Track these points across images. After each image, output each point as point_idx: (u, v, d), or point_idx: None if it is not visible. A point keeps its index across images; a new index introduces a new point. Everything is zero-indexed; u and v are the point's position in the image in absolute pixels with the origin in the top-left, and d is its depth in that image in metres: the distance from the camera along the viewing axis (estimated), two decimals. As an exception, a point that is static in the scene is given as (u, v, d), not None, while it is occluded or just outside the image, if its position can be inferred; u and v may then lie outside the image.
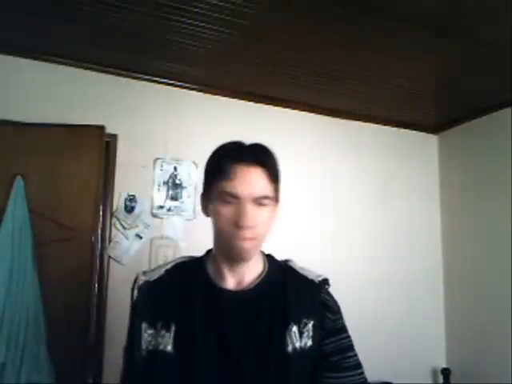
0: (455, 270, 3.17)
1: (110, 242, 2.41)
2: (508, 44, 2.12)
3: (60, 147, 2.24)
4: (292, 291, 0.94)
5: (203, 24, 2.04)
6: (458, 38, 2.11)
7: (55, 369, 2.01)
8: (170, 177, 2.60)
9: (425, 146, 3.39)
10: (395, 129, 3.28)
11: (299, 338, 0.89)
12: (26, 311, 1.99)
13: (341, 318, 0.97)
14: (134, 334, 0.92)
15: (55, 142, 2.23)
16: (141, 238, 2.47)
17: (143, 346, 0.89)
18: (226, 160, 0.89)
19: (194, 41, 2.20)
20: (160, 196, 2.56)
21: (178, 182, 2.61)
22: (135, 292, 0.96)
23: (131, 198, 2.47)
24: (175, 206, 2.58)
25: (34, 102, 2.34)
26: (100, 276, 2.34)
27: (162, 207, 2.55)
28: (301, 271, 1.00)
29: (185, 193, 2.62)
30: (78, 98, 2.44)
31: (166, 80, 2.64)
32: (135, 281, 0.97)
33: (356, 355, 0.95)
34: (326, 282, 0.99)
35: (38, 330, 2.00)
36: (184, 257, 1.05)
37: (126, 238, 2.44)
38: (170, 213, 2.56)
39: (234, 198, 0.87)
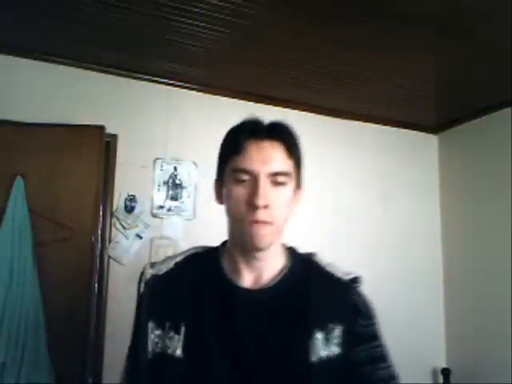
0: (455, 270, 3.16)
1: (110, 241, 2.41)
2: (508, 44, 2.12)
3: (60, 147, 2.24)
4: (317, 291, 0.84)
5: (203, 24, 2.04)
6: (457, 38, 2.11)
7: (55, 369, 2.01)
8: (170, 177, 2.60)
9: (425, 146, 3.39)
10: (395, 129, 3.28)
11: (325, 345, 0.79)
12: (26, 311, 1.99)
13: (374, 323, 0.86)
14: (139, 333, 0.84)
15: (55, 142, 2.23)
16: (141, 237, 2.47)
17: (149, 348, 0.81)
18: (239, 135, 0.82)
19: (194, 41, 2.20)
20: (160, 196, 2.56)
21: (178, 181, 2.61)
22: (141, 286, 0.87)
23: (131, 198, 2.47)
24: (175, 206, 2.58)
25: (34, 102, 2.34)
26: (100, 276, 2.34)
27: (162, 207, 2.55)
28: (327, 268, 0.89)
29: (185, 193, 2.62)
30: (78, 98, 2.44)
31: (166, 80, 2.64)
32: (142, 274, 0.89)
33: (390, 366, 0.84)
34: (356, 280, 0.87)
35: (38, 330, 2.00)
36: (197, 247, 0.93)
37: (126, 238, 2.44)
38: (170, 213, 2.56)
39: (248, 175, 0.79)
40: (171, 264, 0.88)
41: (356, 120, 3.14)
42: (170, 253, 2.46)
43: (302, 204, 0.88)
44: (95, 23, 2.06)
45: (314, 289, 0.84)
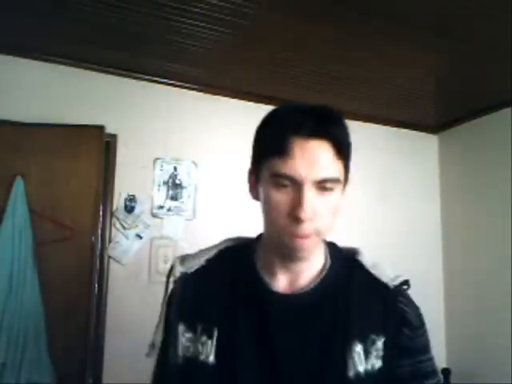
0: (455, 270, 3.17)
1: (110, 242, 2.41)
2: (508, 44, 2.12)
3: (60, 147, 2.24)
4: (359, 297, 0.75)
5: (203, 24, 2.04)
6: (457, 38, 2.11)
7: (55, 369, 2.01)
8: (170, 177, 2.60)
9: (425, 145, 3.39)
10: (395, 129, 3.28)
11: (365, 359, 0.71)
12: (26, 311, 1.99)
13: (422, 334, 0.76)
14: (168, 334, 0.78)
15: (55, 142, 2.23)
16: (141, 237, 2.47)
17: (179, 352, 0.75)
18: (281, 130, 0.69)
19: (194, 41, 2.19)
20: (160, 196, 2.56)
21: (177, 181, 2.61)
22: (171, 284, 0.81)
23: (131, 198, 2.47)
24: (175, 206, 2.58)
25: (34, 102, 2.34)
26: (100, 276, 2.34)
27: (161, 207, 2.55)
28: (372, 270, 0.79)
29: (185, 193, 2.61)
30: (78, 98, 2.44)
31: (165, 80, 2.63)
32: (171, 270, 0.81)
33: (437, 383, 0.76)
34: (404, 285, 0.78)
35: (38, 331, 2.00)
36: (230, 239, 0.85)
37: (126, 238, 2.44)
38: (169, 213, 2.56)
39: (290, 181, 0.68)
40: (202, 261, 0.81)
41: (356, 120, 3.14)
42: (170, 253, 2.46)
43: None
44: (95, 23, 2.06)
45: (355, 294, 0.75)
